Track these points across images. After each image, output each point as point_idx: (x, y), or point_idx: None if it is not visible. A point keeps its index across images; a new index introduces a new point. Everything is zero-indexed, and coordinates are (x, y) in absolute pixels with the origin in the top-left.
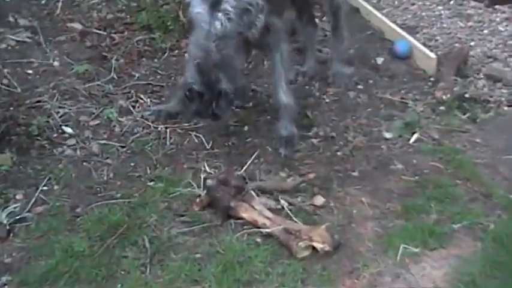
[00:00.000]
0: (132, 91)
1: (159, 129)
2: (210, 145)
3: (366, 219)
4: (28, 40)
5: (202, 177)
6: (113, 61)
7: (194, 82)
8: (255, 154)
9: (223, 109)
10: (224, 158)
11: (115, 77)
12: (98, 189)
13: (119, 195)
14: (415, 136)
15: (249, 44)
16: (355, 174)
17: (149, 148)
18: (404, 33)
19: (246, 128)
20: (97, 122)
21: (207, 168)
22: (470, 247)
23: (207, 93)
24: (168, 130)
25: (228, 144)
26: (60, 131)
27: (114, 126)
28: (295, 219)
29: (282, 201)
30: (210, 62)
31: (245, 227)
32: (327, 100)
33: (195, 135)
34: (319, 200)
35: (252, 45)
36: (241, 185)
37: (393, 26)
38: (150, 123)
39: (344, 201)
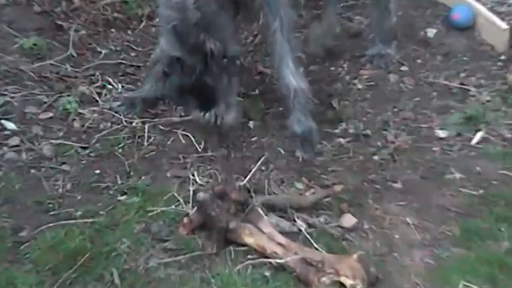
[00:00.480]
0: (97, 73)
1: (134, 124)
2: (202, 146)
3: (412, 246)
4: None
5: (191, 189)
6: (71, 32)
7: (172, 50)
8: (263, 158)
9: (215, 75)
10: (221, 163)
11: (74, 54)
12: (51, 205)
13: (78, 213)
14: (479, 135)
15: (236, 2)
16: (398, 185)
17: (120, 150)
18: None
19: (250, 123)
20: (49, 114)
21: (198, 178)
22: None
23: (192, 60)
24: (146, 126)
25: (226, 144)
26: None
27: (73, 120)
28: (316, 246)
29: (299, 222)
30: (189, 22)
31: (249, 256)
32: (360, 86)
33: (182, 133)
34: (349, 221)
35: (241, 4)
36: (244, 200)
37: None
38: (121, 117)
39: (382, 222)
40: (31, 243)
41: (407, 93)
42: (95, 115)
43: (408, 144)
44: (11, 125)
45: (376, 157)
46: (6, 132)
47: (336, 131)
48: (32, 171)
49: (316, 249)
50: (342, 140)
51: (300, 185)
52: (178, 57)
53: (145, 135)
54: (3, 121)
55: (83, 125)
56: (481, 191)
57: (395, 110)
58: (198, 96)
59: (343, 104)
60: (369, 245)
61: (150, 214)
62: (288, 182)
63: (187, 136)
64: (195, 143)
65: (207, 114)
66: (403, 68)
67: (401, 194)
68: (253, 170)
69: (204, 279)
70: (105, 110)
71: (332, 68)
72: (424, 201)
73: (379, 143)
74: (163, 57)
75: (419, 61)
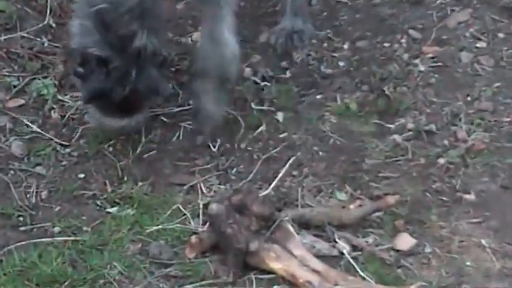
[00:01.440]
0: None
1: None
2: (216, 144)
3: (489, 276)
4: None
5: (201, 201)
6: None
7: (92, 44)
8: (293, 159)
9: (152, 79)
10: (240, 166)
11: (52, 24)
12: (21, 218)
13: (56, 229)
14: None
15: None
16: (470, 197)
17: (111, 148)
18: None
19: (279, 114)
20: (20, 102)
21: (210, 185)
22: None
23: (119, 59)
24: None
25: (246, 142)
26: None
27: (51, 109)
28: (363, 275)
29: (341, 243)
30: (121, 7)
31: (276, 286)
32: (422, 68)
33: (191, 127)
34: (406, 242)
35: None
36: (269, 214)
37: None
38: None
39: (450, 244)
40: None
41: (484, 78)
42: (79, 103)
43: (485, 143)
44: None
45: (442, 160)
46: None
47: (390, 125)
48: None
49: (363, 278)
50: (397, 138)
51: (342, 195)
52: (100, 56)
53: (142, 129)
54: None
55: (63, 116)
56: None
57: (469, 99)
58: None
59: (400, 90)
60: (431, 273)
61: (148, 231)
62: (326, 191)
63: (197, 131)
64: (207, 139)
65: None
66: (479, 45)
67: (475, 209)
68: (281, 174)
69: None
70: None
71: (386, 45)
72: (504, 218)
73: (446, 142)
74: (75, 51)
75: (500, 35)
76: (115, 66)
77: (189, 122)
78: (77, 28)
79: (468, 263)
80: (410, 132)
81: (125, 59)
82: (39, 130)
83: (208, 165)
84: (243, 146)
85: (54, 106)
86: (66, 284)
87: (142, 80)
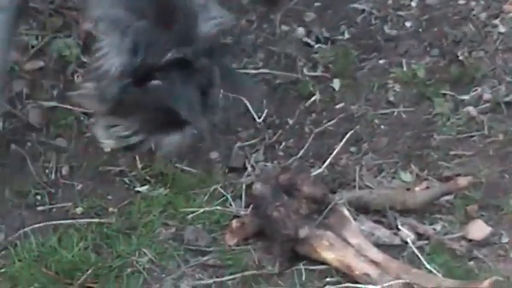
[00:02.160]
0: None
1: None
2: (262, 115)
3: None
4: None
5: (244, 179)
6: None
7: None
8: (350, 133)
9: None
10: (289, 140)
11: None
12: (39, 197)
13: (79, 210)
14: None
15: None
16: None
17: None
18: None
19: (335, 82)
20: (39, 64)
21: (254, 162)
22: None
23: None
24: None
25: (296, 113)
26: None
27: (74, 73)
28: (429, 267)
29: (404, 231)
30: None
31: (328, 279)
32: (502, 29)
33: (233, 95)
34: (480, 230)
35: None
36: (321, 196)
37: None
38: None
39: None
40: (8, 253)
41: None
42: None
43: None
44: None
45: None
46: None
47: (464, 96)
48: (13, 146)
49: (429, 271)
50: (472, 110)
51: (407, 176)
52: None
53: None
54: None
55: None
56: None
57: None
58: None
59: (476, 55)
60: (509, 266)
61: (183, 214)
62: (389, 171)
63: (241, 99)
64: (251, 109)
65: None
66: None
67: None
68: (337, 150)
69: None
70: None
71: (460, 2)
72: None
73: None
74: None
75: None
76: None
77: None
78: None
79: None
80: (487, 104)
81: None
82: (60, 97)
83: (253, 140)
84: (292, 117)
85: (78, 69)
86: (89, 272)
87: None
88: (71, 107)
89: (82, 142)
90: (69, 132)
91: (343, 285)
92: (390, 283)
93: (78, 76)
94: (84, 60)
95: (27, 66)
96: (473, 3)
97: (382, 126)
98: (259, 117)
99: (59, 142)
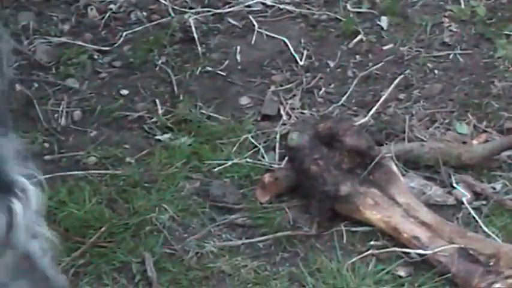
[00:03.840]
0: None
1: (187, 16)
2: (300, 57)
3: None
4: None
5: (278, 129)
6: None
7: None
8: (400, 78)
9: None
10: (330, 85)
11: None
12: (47, 144)
13: (91, 159)
14: None
15: None
16: None
17: (163, 58)
18: None
19: (383, 20)
20: None
21: (290, 109)
22: None
23: None
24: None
25: (339, 55)
26: None
27: (88, 5)
28: (487, 230)
29: (460, 188)
30: None
31: (372, 242)
32: None
33: (268, 33)
34: None
35: None
36: (366, 148)
37: None
38: (165, 2)
39: None
40: None
41: None
42: None
43: None
44: None
45: None
46: None
47: None
48: (18, 87)
49: (487, 235)
50: None
51: (463, 127)
52: None
53: (200, 35)
54: None
55: (103, 15)
56: None
57: None
58: None
59: None
60: None
61: (208, 166)
62: (443, 122)
63: (276, 38)
64: (290, 47)
65: None
66: None
67: None
68: (384, 97)
69: (296, 277)
70: None
71: None
72: None
73: None
74: None
75: None
76: None
77: (266, 25)
78: None
79: None
80: None
81: None
82: (72, 32)
83: (289, 84)
84: (334, 59)
85: (92, 1)
86: (102, 229)
87: None
88: (83, 44)
89: (96, 83)
90: (82, 72)
91: (389, 249)
92: (442, 248)
93: (92, 9)
94: None
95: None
96: None
97: (436, 71)
98: (300, 59)
99: (69, 83)
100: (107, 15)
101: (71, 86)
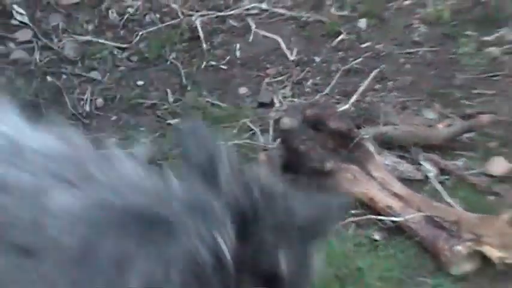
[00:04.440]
0: None
1: (194, 18)
2: (291, 53)
3: None
4: None
5: (272, 114)
6: None
7: None
8: (376, 71)
9: None
10: (316, 78)
11: None
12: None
13: (112, 140)
14: None
15: None
16: None
17: (174, 54)
18: None
19: (361, 22)
20: None
21: (282, 97)
22: None
23: None
24: (211, 21)
25: (324, 51)
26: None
27: (109, 8)
28: (450, 201)
29: (427, 165)
30: None
31: (352, 211)
32: None
33: (264, 33)
34: (500, 166)
35: None
36: (347, 131)
37: None
38: (176, 6)
39: None
40: None
41: None
42: (139, 2)
43: None
44: (20, 12)
45: None
46: (14, 22)
47: (488, 38)
48: (48, 78)
49: (450, 205)
50: (495, 51)
51: (430, 113)
52: None
53: (200, 32)
54: (13, 5)
55: (122, 16)
56: None
57: None
58: None
59: None
60: None
61: None
62: (413, 108)
63: (270, 37)
64: (282, 45)
65: None
66: None
67: None
68: (363, 87)
69: None
70: None
71: None
72: None
73: None
74: None
75: None
76: None
77: (263, 26)
78: None
79: None
80: (510, 45)
81: None
82: (95, 31)
83: (282, 76)
84: (320, 55)
85: (112, 5)
86: None
87: None
88: (105, 41)
89: (116, 75)
90: (103, 66)
91: (366, 217)
92: (412, 216)
93: (112, 12)
94: None
95: (64, 0)
96: None
97: (407, 65)
98: (291, 55)
99: (93, 75)
100: (125, 17)
101: (94, 78)
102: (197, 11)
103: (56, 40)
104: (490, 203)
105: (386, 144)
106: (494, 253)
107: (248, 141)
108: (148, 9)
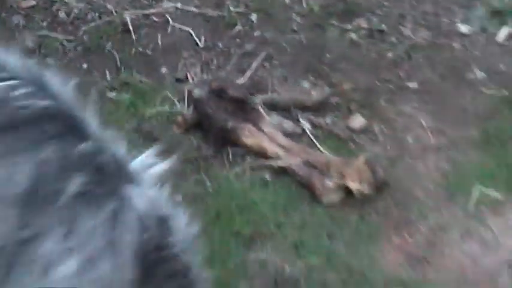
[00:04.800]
0: None
1: (125, 16)
2: (200, 41)
3: (426, 149)
4: None
5: (186, 87)
6: None
7: None
8: (264, 53)
9: None
10: (220, 59)
11: None
12: None
13: None
14: (504, 31)
15: None
16: (413, 85)
17: (110, 44)
18: None
19: (253, 16)
20: (32, 3)
21: (194, 74)
22: None
23: None
24: (139, 18)
25: (225, 39)
26: None
27: (59, 10)
28: (321, 148)
29: (304, 122)
30: None
31: (249, 158)
32: None
33: (180, 27)
34: (358, 121)
35: None
36: (243, 98)
37: None
38: (111, 7)
39: (395, 123)
40: None
41: None
42: (82, 4)
43: (426, 40)
44: None
45: (390, 54)
46: None
47: (347, 26)
48: None
49: (321, 151)
50: (353, 36)
51: (305, 83)
52: None
53: (130, 26)
54: None
55: (69, 16)
56: (505, 92)
57: (414, 3)
58: None
59: None
60: (378, 148)
61: (141, 113)
62: (292, 79)
63: (184, 30)
64: (194, 36)
65: None
66: None
67: (417, 95)
68: (255, 65)
69: (199, 182)
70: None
71: None
72: (441, 102)
73: (394, 39)
74: None
75: None
76: None
77: (179, 23)
78: None
79: (409, 139)
80: (364, 31)
81: None
82: (48, 27)
83: (193, 59)
84: (222, 42)
85: (61, 7)
86: None
87: None
88: (56, 35)
89: (65, 61)
90: (56, 54)
91: (258, 162)
92: (294, 160)
93: (61, 12)
94: (66, 0)
95: (23, 4)
96: None
97: (288, 48)
98: (199, 43)
99: (48, 60)
100: (72, 16)
101: (49, 63)
102: (127, 10)
103: (17, 34)
104: (351, 149)
105: (273, 107)
106: (354, 186)
107: (168, 109)
108: (89, 9)
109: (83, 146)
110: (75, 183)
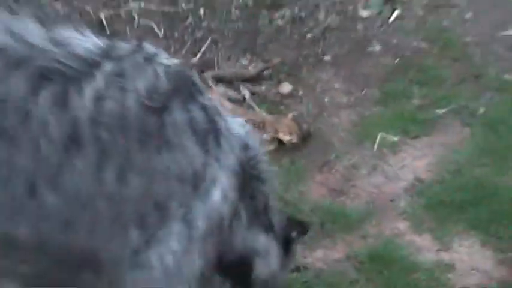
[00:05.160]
0: None
1: (88, 9)
2: (162, 32)
3: (339, 107)
4: None
5: None
6: None
7: None
8: (211, 38)
9: None
10: (176, 45)
11: None
12: None
13: None
14: (396, 13)
15: None
16: (327, 58)
17: None
18: None
19: (201, 10)
20: None
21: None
22: (456, 133)
23: None
24: (101, 14)
25: (180, 29)
26: None
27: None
28: (258, 110)
29: (244, 91)
30: None
31: None
32: None
33: (143, 23)
34: (286, 88)
35: None
36: (197, 73)
37: None
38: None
39: (314, 88)
40: None
41: None
42: (66, 7)
43: (336, 23)
44: None
45: (309, 35)
46: None
47: (275, 14)
48: None
49: (258, 112)
50: (280, 22)
51: (244, 61)
52: None
53: (104, 23)
54: None
55: None
56: (398, 60)
57: None
58: None
59: None
60: (303, 107)
61: None
62: (234, 58)
63: (147, 24)
64: (155, 28)
65: None
66: None
67: (331, 65)
68: (204, 48)
69: None
70: None
71: None
72: (349, 70)
73: (311, 24)
74: None
75: None
76: None
77: (143, 18)
78: None
79: (326, 100)
80: (288, 18)
81: None
82: None
83: (156, 46)
84: (177, 32)
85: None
86: None
87: None
88: None
89: None
90: None
91: None
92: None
93: None
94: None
95: None
96: None
97: (230, 34)
98: (160, 32)
99: None
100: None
101: None
102: (102, 10)
103: None
104: (281, 110)
105: (220, 80)
106: (285, 137)
107: None
108: (71, 11)
109: None
110: None
